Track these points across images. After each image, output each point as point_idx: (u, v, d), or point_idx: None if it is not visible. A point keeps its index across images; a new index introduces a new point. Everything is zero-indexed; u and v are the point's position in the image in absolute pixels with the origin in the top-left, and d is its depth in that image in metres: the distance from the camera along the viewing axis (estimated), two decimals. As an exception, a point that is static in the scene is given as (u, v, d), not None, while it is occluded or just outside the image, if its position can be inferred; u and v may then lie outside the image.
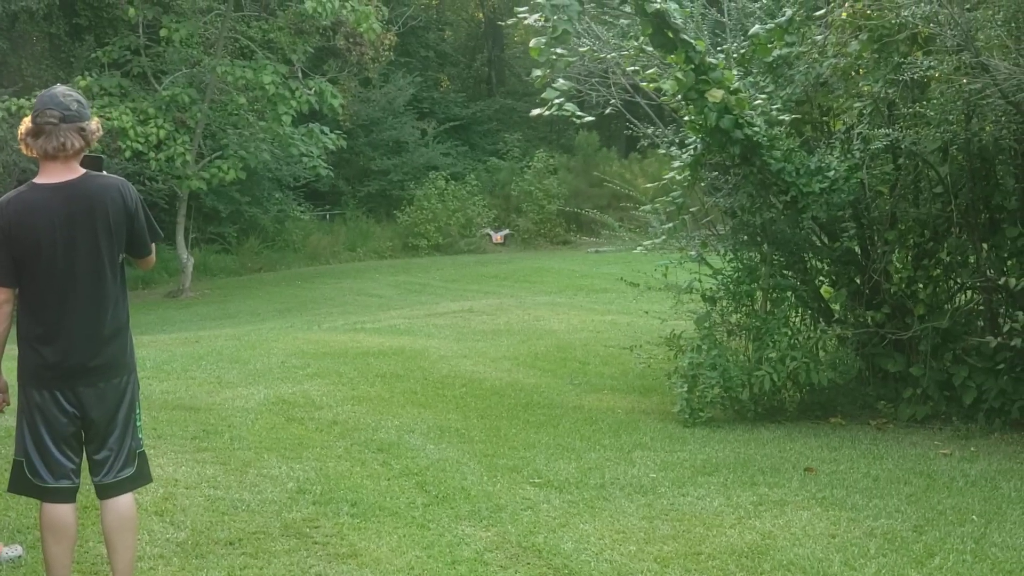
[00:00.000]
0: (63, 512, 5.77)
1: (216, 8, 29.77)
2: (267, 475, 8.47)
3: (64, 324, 5.69)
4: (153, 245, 6.06)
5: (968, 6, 9.73)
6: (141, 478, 6.04)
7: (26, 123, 5.68)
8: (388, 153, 42.21)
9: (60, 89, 5.76)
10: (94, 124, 5.73)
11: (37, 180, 5.69)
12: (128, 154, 28.21)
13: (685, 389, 10.97)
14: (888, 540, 7.21)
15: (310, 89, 30.43)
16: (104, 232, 5.69)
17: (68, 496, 5.80)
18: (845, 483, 8.55)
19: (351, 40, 32.88)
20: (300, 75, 31.31)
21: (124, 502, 5.90)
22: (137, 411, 5.98)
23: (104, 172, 5.88)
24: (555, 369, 13.52)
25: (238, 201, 35.93)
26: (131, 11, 28.45)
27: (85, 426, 5.79)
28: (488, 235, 39.06)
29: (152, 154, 28.64)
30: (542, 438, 10.00)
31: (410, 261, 35.75)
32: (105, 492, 5.87)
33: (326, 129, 32.38)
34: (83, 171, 5.70)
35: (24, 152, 5.73)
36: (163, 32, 28.95)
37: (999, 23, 9.34)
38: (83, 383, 5.72)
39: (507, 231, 39.29)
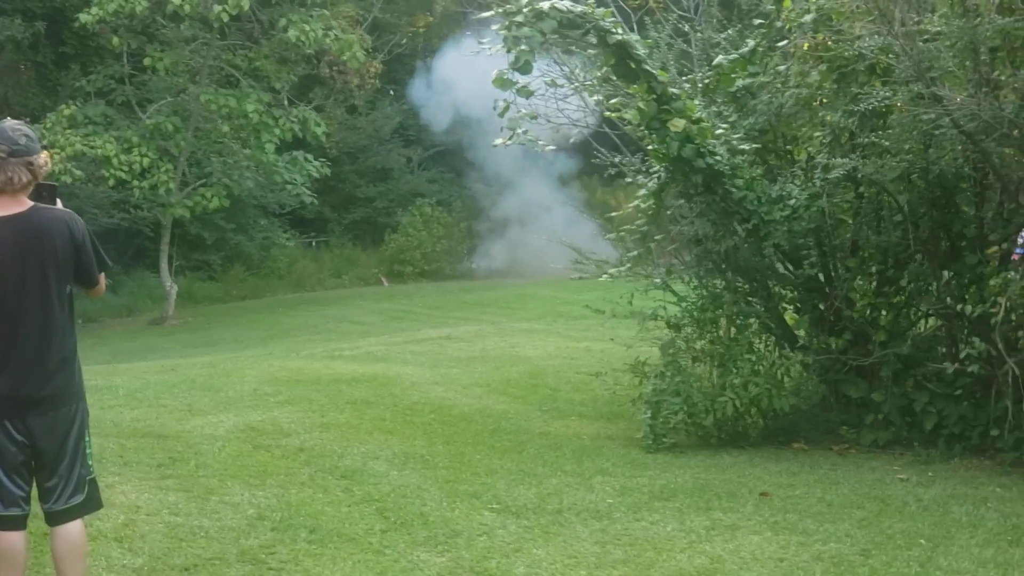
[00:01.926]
0: (13, 539, 5.85)
1: (201, 37, 29.91)
2: (228, 502, 8.53)
3: (12, 355, 5.76)
4: (102, 275, 6.13)
5: (926, 38, 9.87)
6: (91, 504, 6.11)
7: None
8: (374, 180, 42.32)
9: (9, 124, 5.85)
10: (42, 158, 5.83)
11: None
12: (112, 182, 28.40)
13: (649, 415, 11.06)
14: (835, 564, 7.32)
15: (294, 117, 30.60)
16: (51, 264, 5.77)
17: (18, 524, 5.87)
18: (799, 508, 8.67)
19: (335, 68, 33.10)
20: (286, 103, 31.51)
21: (74, 529, 5.98)
22: (87, 439, 6.05)
23: (58, 201, 5.99)
24: (526, 395, 13.60)
25: (223, 228, 36.02)
26: (115, 40, 28.64)
27: (35, 455, 5.86)
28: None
29: (136, 182, 28.80)
30: (505, 464, 10.09)
31: (395, 288, 35.82)
32: (55, 519, 5.95)
33: (310, 157, 32.60)
34: (31, 204, 5.80)
35: None
36: (147, 61, 29.20)
37: (951, 55, 9.48)
38: (32, 413, 5.79)
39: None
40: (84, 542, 6.10)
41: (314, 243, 41.17)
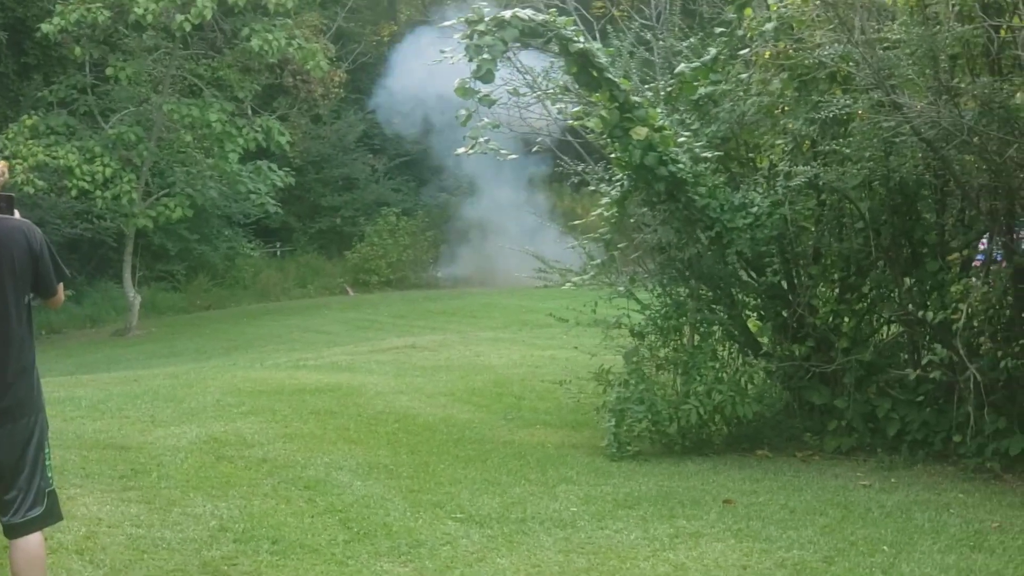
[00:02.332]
0: None
1: (163, 46, 29.82)
2: (191, 513, 8.50)
3: None
4: (61, 285, 6.10)
5: (886, 46, 9.90)
6: (51, 517, 6.07)
7: None
8: (339, 190, 42.23)
9: None
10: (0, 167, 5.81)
11: None
12: (74, 193, 28.28)
13: (613, 423, 11.08)
14: (798, 571, 7.34)
15: (257, 127, 30.52)
16: (8, 274, 5.74)
17: None
18: (762, 515, 8.68)
19: (299, 77, 33.08)
20: (249, 112, 31.42)
21: (33, 541, 5.93)
22: (46, 450, 6.02)
23: (16, 212, 5.95)
24: (490, 404, 13.59)
25: (187, 239, 35.85)
26: (77, 50, 28.51)
27: None
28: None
29: (99, 192, 28.67)
30: (469, 473, 10.08)
31: (360, 297, 35.76)
32: (14, 532, 5.91)
33: (274, 166, 32.52)
34: None
35: None
36: (110, 71, 29.01)
37: (910, 63, 9.52)
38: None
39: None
40: (43, 554, 6.05)
41: (279, 253, 41.06)
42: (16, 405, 5.84)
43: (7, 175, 5.95)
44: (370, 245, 39.25)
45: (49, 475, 6.05)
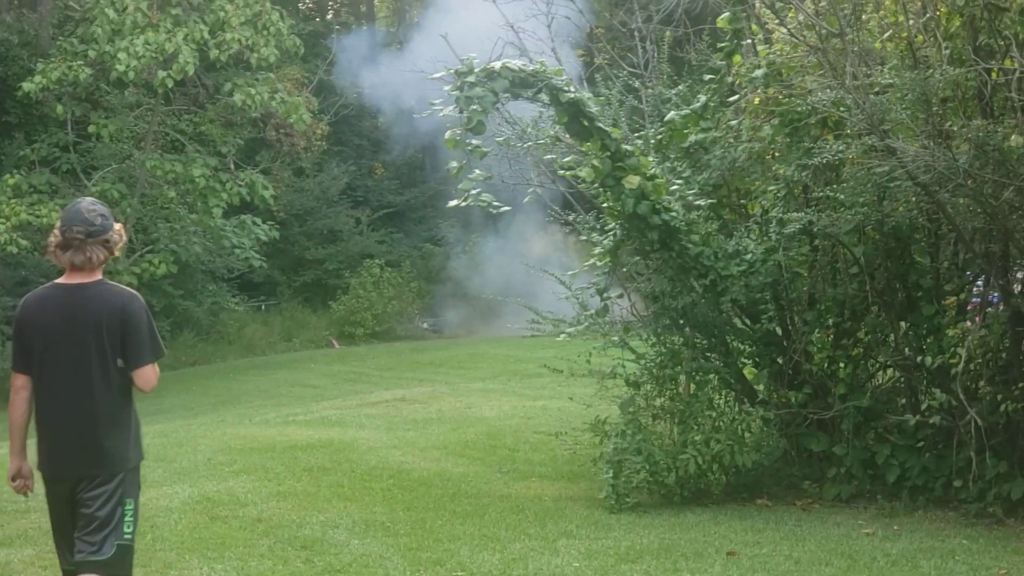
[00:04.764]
0: None
1: (145, 103, 29.82)
2: (187, 577, 8.39)
3: (56, 418, 6.15)
4: (153, 365, 6.33)
5: (876, 91, 9.89)
6: (116, 567, 6.26)
7: (55, 235, 6.19)
8: (323, 242, 42.19)
9: (85, 204, 6.29)
10: (117, 234, 6.26)
11: (59, 280, 6.26)
12: (58, 251, 28.15)
13: (611, 475, 10.96)
14: (807, 624, 7.24)
15: (241, 181, 30.49)
16: (94, 334, 6.11)
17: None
18: (767, 566, 8.58)
19: (282, 131, 33.09)
20: (232, 167, 31.40)
21: None
22: (128, 507, 6.28)
23: None
24: (484, 457, 13.46)
25: (171, 295, 35.67)
26: (59, 108, 28.49)
27: (74, 514, 6.20)
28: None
29: (82, 250, 28.53)
30: (468, 529, 9.95)
31: (346, 350, 35.62)
32: (78, 568, 6.23)
33: (258, 220, 32.48)
34: (100, 277, 6.21)
35: (52, 260, 6.32)
36: (92, 128, 29.04)
37: (903, 107, 9.50)
38: (72, 476, 6.18)
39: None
40: None
41: (264, 307, 40.91)
42: (97, 461, 6.21)
43: (125, 237, 6.22)
44: (355, 297, 39.10)
45: (126, 529, 6.29)
